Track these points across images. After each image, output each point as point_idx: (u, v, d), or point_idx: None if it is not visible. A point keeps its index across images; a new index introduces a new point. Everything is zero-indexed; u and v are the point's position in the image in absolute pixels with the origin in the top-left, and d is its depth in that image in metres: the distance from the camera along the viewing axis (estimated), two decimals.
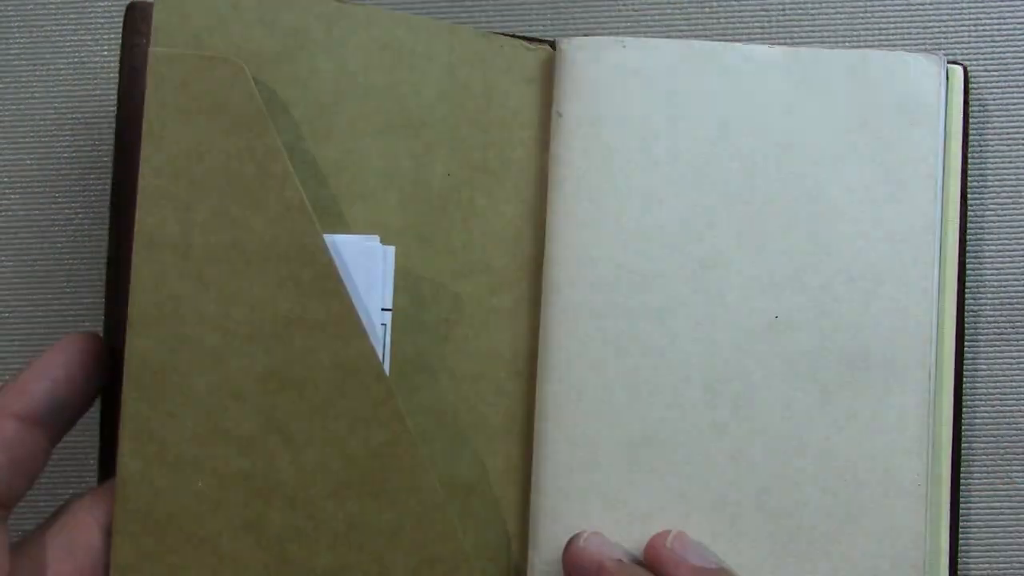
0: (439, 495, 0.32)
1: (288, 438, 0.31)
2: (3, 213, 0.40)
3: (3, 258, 0.40)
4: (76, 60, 0.40)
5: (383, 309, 0.33)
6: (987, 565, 0.39)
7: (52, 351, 0.31)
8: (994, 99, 0.39)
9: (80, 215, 0.40)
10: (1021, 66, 0.39)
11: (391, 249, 0.32)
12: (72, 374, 0.31)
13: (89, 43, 0.40)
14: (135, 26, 0.37)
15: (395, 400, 0.31)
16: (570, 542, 0.34)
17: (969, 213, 0.37)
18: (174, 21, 0.32)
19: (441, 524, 0.32)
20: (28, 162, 0.40)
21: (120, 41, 0.38)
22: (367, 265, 0.32)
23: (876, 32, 0.39)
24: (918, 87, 0.36)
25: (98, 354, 0.32)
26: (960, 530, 0.36)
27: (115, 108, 0.39)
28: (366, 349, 0.31)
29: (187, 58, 0.31)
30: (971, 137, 0.38)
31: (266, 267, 0.31)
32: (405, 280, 0.34)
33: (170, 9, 0.32)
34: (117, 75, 0.35)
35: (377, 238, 0.32)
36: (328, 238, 0.31)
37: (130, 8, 0.36)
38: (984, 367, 0.39)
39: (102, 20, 0.40)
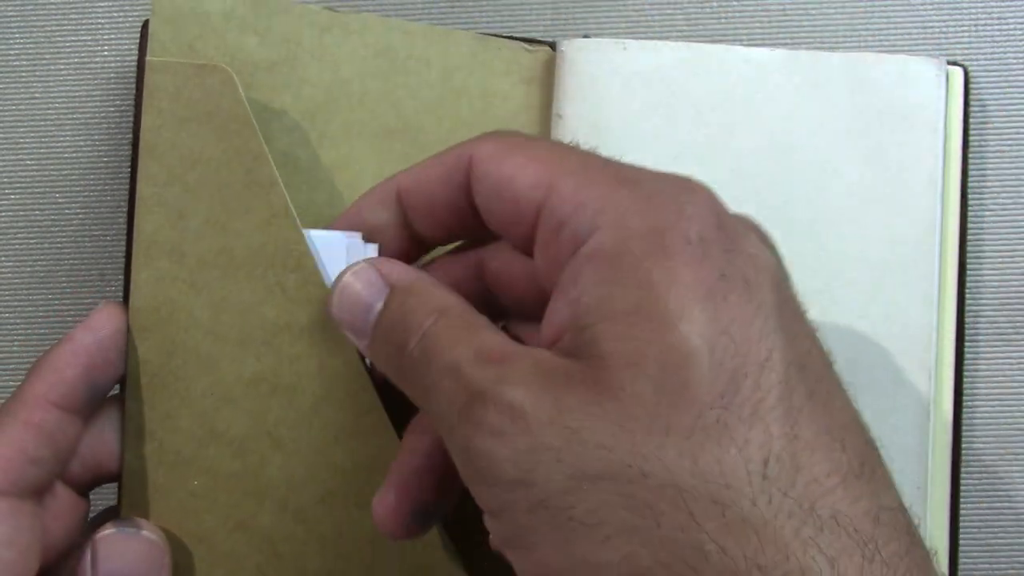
0: None
1: (278, 442, 0.32)
2: (3, 213, 0.40)
3: (3, 258, 0.40)
4: (76, 60, 0.40)
5: None
6: (987, 565, 0.39)
7: (84, 329, 0.31)
8: (994, 99, 0.39)
9: (80, 215, 0.40)
10: (1021, 66, 0.39)
11: (373, 246, 0.31)
12: (106, 354, 0.31)
13: (89, 43, 0.40)
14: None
15: (381, 412, 0.31)
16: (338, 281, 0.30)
17: (969, 213, 0.37)
18: (169, 31, 0.33)
19: (429, 537, 0.32)
20: (28, 162, 0.40)
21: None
22: (350, 261, 0.31)
23: (876, 33, 0.39)
24: (918, 90, 0.36)
25: (127, 326, 0.32)
26: (960, 530, 0.36)
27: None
28: (351, 359, 0.31)
29: (179, 66, 0.31)
30: (971, 137, 0.38)
31: (254, 273, 0.31)
32: None
33: (165, 19, 0.33)
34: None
35: (359, 235, 0.31)
36: (305, 232, 0.31)
37: (146, 25, 0.37)
38: (984, 367, 0.39)
39: (103, 21, 0.40)
